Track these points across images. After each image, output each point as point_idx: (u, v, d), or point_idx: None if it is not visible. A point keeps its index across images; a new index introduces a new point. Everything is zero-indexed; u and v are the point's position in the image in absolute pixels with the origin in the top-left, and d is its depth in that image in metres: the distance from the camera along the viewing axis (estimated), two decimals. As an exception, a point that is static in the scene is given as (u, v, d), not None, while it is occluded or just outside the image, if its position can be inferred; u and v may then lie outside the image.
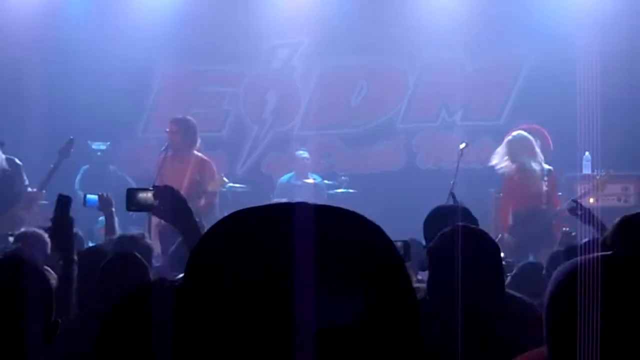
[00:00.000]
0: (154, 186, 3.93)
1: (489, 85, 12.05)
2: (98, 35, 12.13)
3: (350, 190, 10.89)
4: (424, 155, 12.32)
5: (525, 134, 9.51)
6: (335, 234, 1.09)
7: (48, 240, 5.71)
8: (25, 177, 9.07)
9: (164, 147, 9.25)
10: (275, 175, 11.52)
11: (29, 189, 8.96)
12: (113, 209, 6.65)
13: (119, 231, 6.50)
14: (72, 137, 9.05)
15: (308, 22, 12.29)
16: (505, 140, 9.51)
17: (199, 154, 9.30)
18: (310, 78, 12.54)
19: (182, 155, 9.10)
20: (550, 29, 11.51)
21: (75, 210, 7.98)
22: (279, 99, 12.58)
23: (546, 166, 9.31)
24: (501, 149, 9.46)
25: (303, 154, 11.21)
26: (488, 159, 11.78)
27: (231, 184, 10.70)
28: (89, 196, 6.88)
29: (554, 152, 10.57)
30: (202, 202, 8.82)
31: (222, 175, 9.48)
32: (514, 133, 9.56)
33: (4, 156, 9.03)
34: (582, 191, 9.11)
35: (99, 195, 6.79)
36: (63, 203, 4.19)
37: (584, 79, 11.35)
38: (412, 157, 12.31)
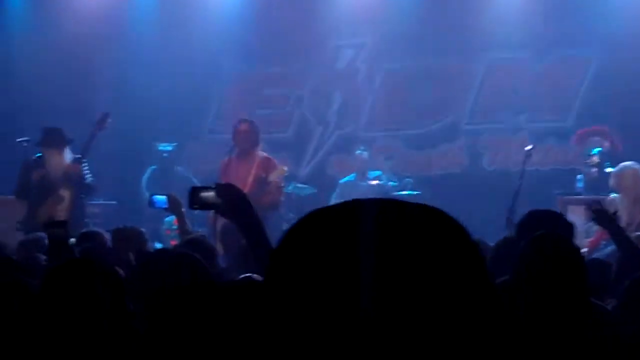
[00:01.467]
0: (216, 184, 3.94)
1: (556, 86, 11.89)
2: (164, 36, 12.28)
3: (415, 192, 10.83)
4: (489, 156, 12.20)
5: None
6: (417, 231, 1.09)
7: (107, 236, 5.82)
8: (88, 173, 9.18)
9: (229, 149, 9.34)
10: (340, 177, 11.52)
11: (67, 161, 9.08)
12: (183, 209, 6.52)
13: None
14: (108, 112, 9.27)
15: (372, 23, 12.28)
16: None
17: (263, 153, 9.39)
18: (374, 79, 12.52)
19: (248, 155, 9.19)
20: (618, 27, 11.32)
21: (140, 211, 8.14)
22: (343, 100, 12.58)
23: None
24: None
25: (362, 153, 11.20)
26: (554, 160, 11.68)
27: (295, 184, 10.74)
28: (156, 197, 6.63)
29: (623, 153, 10.39)
30: (267, 198, 8.85)
31: (282, 166, 9.54)
32: None
33: (71, 156, 9.18)
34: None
35: (168, 196, 6.59)
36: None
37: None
38: (477, 158, 12.20)
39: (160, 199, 6.55)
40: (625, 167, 8.85)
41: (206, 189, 3.84)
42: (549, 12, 11.62)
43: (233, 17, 12.44)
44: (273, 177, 9.11)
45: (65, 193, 8.92)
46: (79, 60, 12.12)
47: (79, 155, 9.12)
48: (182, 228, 6.32)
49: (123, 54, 12.23)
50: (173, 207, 6.49)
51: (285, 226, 9.48)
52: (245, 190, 8.03)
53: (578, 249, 3.25)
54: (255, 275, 3.36)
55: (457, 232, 1.10)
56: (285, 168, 9.46)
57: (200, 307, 3.13)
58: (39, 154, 9.19)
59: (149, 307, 3.08)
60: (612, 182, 8.79)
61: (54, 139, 9.07)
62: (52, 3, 12.60)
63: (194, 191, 3.83)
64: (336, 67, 12.63)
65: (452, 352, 1.05)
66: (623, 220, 7.82)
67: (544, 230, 3.26)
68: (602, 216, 5.32)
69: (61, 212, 8.66)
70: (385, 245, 1.06)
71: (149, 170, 11.56)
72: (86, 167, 9.13)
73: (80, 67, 12.08)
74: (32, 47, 12.28)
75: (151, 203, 6.73)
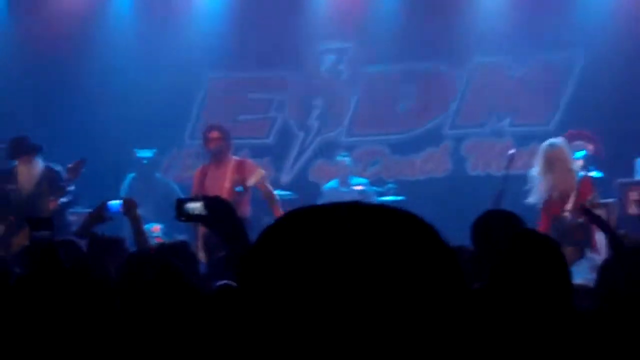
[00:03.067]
0: (204, 197, 3.90)
1: (539, 90, 11.87)
2: (144, 42, 12.19)
3: (398, 197, 10.78)
4: (472, 161, 12.16)
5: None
6: (386, 233, 1.10)
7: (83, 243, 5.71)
8: (61, 183, 9.06)
9: (204, 157, 9.36)
10: (322, 183, 11.46)
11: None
12: (138, 213, 6.37)
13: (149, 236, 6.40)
14: (85, 157, 9.00)
15: (354, 27, 12.24)
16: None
17: (236, 157, 9.45)
18: (356, 84, 12.46)
19: (222, 161, 9.21)
20: (601, 31, 11.31)
21: (120, 218, 7.97)
22: (325, 105, 12.51)
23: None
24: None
25: (344, 158, 11.15)
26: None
27: (277, 191, 10.66)
28: (110, 203, 6.33)
29: (606, 157, 10.37)
30: (264, 189, 9.08)
31: (259, 168, 9.50)
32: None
33: (42, 164, 9.11)
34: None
35: (123, 200, 6.44)
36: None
37: (637, 82, 11.17)
38: (460, 163, 12.16)
39: (115, 203, 6.35)
40: (556, 141, 8.77)
41: (192, 200, 3.80)
42: (532, 16, 11.61)
43: (214, 21, 12.37)
44: (252, 181, 9.10)
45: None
46: (57, 66, 12.01)
47: (51, 166, 9.05)
48: (137, 231, 6.16)
49: (102, 59, 12.12)
50: (128, 210, 6.33)
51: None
52: (223, 196, 8.00)
53: (558, 245, 3.21)
54: (233, 283, 3.30)
55: (429, 237, 1.11)
56: (263, 171, 9.44)
57: (180, 314, 3.10)
58: (11, 165, 9.15)
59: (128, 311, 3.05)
60: (545, 158, 8.66)
61: (20, 148, 9.01)
62: (29, 6, 12.46)
63: (180, 203, 3.79)
64: (319, 71, 12.57)
65: (422, 355, 1.06)
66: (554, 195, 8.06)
67: (500, 230, 3.24)
68: (595, 218, 5.77)
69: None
70: (357, 248, 1.06)
71: (128, 178, 11.45)
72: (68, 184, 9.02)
73: (58, 72, 11.97)
74: (8, 51, 12.16)
75: (106, 209, 6.43)
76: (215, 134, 9.30)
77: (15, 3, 12.58)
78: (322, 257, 1.06)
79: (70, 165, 8.88)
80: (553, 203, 8.30)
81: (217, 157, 9.22)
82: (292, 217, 1.14)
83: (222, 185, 8.87)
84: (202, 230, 7.68)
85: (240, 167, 9.18)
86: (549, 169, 8.34)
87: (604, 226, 5.69)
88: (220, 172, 9.12)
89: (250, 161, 9.54)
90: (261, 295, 1.08)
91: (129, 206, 6.31)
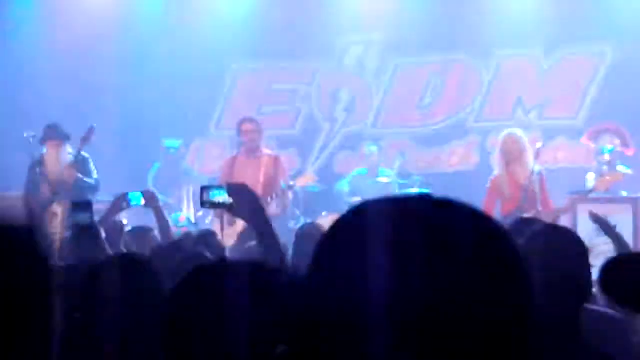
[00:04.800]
0: (227, 184, 3.91)
1: (566, 83, 11.80)
2: (171, 33, 12.21)
3: (424, 190, 10.74)
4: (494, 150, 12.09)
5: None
6: (454, 228, 1.10)
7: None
8: (92, 170, 9.34)
9: (237, 147, 9.41)
10: (347, 174, 11.45)
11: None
12: (160, 204, 6.37)
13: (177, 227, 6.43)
14: (94, 124, 9.21)
15: (381, 20, 12.20)
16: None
17: (270, 151, 9.49)
18: (383, 76, 12.43)
19: (255, 154, 9.24)
20: (632, 23, 11.23)
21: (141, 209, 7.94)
22: (351, 97, 12.49)
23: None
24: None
25: (372, 148, 11.15)
26: (565, 158, 11.59)
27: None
28: (131, 194, 6.31)
29: (635, 151, 10.31)
30: (275, 207, 8.85)
31: (313, 174, 9.67)
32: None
33: (71, 151, 9.30)
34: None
35: (143, 192, 6.43)
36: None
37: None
38: (486, 156, 12.10)
39: (136, 195, 6.33)
40: (514, 132, 8.90)
41: (217, 188, 3.82)
42: (560, 9, 11.53)
43: (240, 12, 12.37)
44: (302, 181, 9.26)
45: (58, 209, 8.85)
46: (84, 59, 12.07)
47: (74, 158, 9.22)
48: (160, 222, 6.18)
49: (127, 51, 12.15)
50: (148, 202, 6.33)
51: (291, 224, 9.46)
52: (258, 190, 8.04)
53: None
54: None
55: (502, 240, 1.12)
56: (317, 178, 9.62)
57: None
58: (41, 152, 9.42)
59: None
60: (501, 148, 8.83)
61: (52, 134, 9.33)
62: (55, 5, 12.53)
63: (204, 190, 3.81)
64: (345, 63, 12.55)
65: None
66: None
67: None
68: (602, 223, 5.74)
69: (56, 227, 8.62)
70: (434, 244, 1.07)
71: (154, 168, 11.49)
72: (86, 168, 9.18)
73: (85, 65, 12.02)
74: (36, 46, 12.23)
75: (127, 201, 6.41)
76: (249, 127, 9.37)
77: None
78: (395, 248, 1.07)
79: (83, 135, 9.12)
80: (506, 200, 8.49)
81: (250, 150, 9.27)
82: (365, 208, 1.14)
83: (257, 178, 8.89)
84: (226, 217, 7.70)
85: (275, 163, 9.26)
86: (503, 158, 8.60)
87: (610, 232, 5.65)
88: (253, 166, 9.16)
89: (282, 159, 9.60)
90: (335, 284, 1.09)
91: (150, 198, 6.32)
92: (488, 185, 8.76)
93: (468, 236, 1.09)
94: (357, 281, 1.07)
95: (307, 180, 9.49)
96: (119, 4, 12.52)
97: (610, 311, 3.50)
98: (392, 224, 1.09)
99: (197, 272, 1.99)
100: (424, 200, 1.13)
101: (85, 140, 9.12)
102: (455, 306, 1.05)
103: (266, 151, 9.44)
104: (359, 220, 1.13)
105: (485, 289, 1.07)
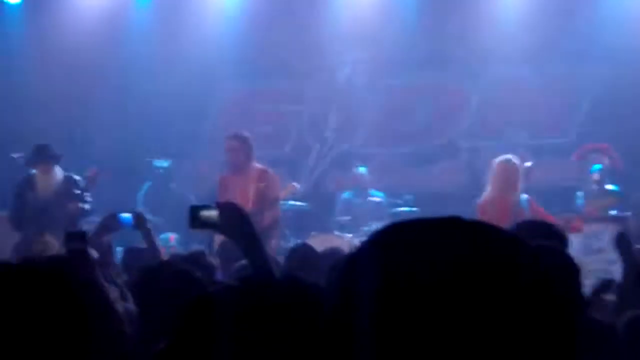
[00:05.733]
0: (217, 203, 3.86)
1: (556, 102, 11.82)
2: (160, 51, 12.21)
3: (414, 209, 10.74)
4: (488, 174, 12.09)
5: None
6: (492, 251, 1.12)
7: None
8: (79, 192, 9.07)
9: (223, 165, 9.32)
10: (338, 193, 11.43)
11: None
12: (149, 227, 6.36)
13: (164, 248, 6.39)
14: (97, 169, 9.18)
15: (371, 39, 12.23)
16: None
17: (259, 165, 9.30)
18: (372, 96, 12.44)
19: (244, 170, 9.10)
20: (621, 43, 11.25)
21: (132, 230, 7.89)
22: (341, 116, 12.50)
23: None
24: None
25: (361, 169, 11.13)
26: (554, 177, 11.59)
27: (293, 202, 10.65)
28: (122, 215, 6.24)
29: (624, 171, 10.33)
30: (266, 219, 8.76)
31: (293, 183, 9.56)
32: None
33: (61, 172, 9.13)
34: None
35: (133, 213, 6.34)
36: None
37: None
38: (476, 176, 12.10)
39: (126, 217, 6.31)
40: (511, 158, 8.80)
41: (205, 207, 3.76)
42: (550, 28, 11.56)
43: (230, 32, 12.38)
44: (284, 193, 9.14)
45: (51, 238, 8.72)
46: (75, 77, 12.03)
47: (70, 175, 9.09)
48: (149, 245, 6.15)
49: (119, 71, 12.15)
50: (138, 224, 6.31)
51: (281, 243, 9.43)
52: (248, 205, 7.96)
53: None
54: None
55: (530, 262, 1.14)
56: (297, 185, 9.48)
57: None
58: (31, 173, 9.17)
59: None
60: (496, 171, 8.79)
61: (39, 156, 9.06)
62: (47, 19, 12.51)
63: (193, 210, 3.76)
64: (334, 83, 12.56)
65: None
66: None
67: None
68: (623, 243, 5.44)
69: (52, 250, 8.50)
70: (459, 264, 1.08)
71: (144, 187, 11.46)
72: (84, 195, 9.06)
73: (76, 83, 12.00)
74: (26, 62, 12.21)
75: (117, 221, 6.32)
76: (231, 144, 9.21)
77: (31, 9, 12.63)
78: (426, 270, 1.08)
79: (89, 175, 8.99)
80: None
81: (235, 166, 9.14)
82: (397, 228, 1.15)
83: (247, 194, 8.73)
84: (218, 239, 7.65)
85: (263, 176, 9.05)
86: (497, 184, 8.50)
87: (628, 254, 5.53)
88: (242, 181, 8.98)
89: (272, 172, 9.34)
90: (364, 302, 1.09)
91: (139, 221, 6.29)
92: (477, 209, 8.64)
93: (499, 260, 1.10)
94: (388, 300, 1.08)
95: (289, 190, 9.37)
96: (108, 22, 12.50)
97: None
98: (422, 245, 1.10)
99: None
100: (469, 224, 1.14)
101: (92, 181, 9.01)
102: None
103: (256, 165, 9.24)
104: (390, 240, 1.13)
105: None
